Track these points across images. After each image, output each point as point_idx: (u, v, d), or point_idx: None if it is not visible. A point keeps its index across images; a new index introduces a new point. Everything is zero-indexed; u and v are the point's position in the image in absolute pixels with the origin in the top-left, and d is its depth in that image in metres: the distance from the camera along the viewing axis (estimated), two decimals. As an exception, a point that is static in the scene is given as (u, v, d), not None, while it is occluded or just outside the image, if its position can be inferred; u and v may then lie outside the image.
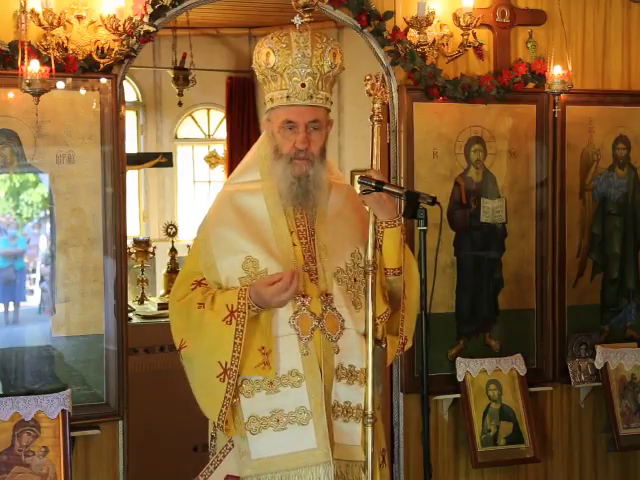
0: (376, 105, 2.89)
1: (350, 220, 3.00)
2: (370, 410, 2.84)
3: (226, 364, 2.76)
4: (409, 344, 3.02)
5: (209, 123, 10.59)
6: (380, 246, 2.90)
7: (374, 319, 2.85)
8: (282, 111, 2.85)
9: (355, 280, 2.91)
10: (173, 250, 6.39)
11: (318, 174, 2.86)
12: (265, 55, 2.84)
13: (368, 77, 2.91)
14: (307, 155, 2.84)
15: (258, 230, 2.88)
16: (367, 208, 2.88)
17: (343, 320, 2.85)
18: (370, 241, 2.86)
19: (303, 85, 2.83)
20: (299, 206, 2.89)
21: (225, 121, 10.10)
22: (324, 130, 2.89)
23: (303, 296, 2.82)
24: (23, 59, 3.46)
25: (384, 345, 2.95)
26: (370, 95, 2.89)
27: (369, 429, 2.83)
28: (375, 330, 2.85)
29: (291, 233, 2.89)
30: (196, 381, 2.86)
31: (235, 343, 2.75)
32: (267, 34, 2.91)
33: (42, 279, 3.90)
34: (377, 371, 2.89)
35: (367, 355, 2.83)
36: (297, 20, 2.90)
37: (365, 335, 2.85)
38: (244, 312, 2.75)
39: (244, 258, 2.84)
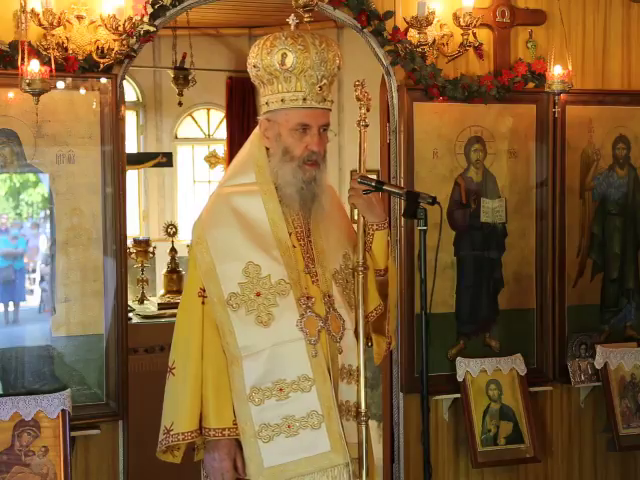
0: (362, 110, 2.90)
1: (337, 221, 3.01)
2: (363, 408, 2.86)
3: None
4: (394, 343, 3.06)
5: (209, 123, 10.58)
6: (370, 248, 2.93)
7: (365, 317, 2.88)
8: (296, 113, 2.82)
9: (347, 281, 2.93)
10: (173, 250, 6.39)
11: (323, 177, 2.88)
12: (280, 56, 2.80)
13: (357, 83, 2.90)
14: (317, 158, 2.83)
15: (257, 233, 2.85)
16: (356, 210, 2.91)
17: (344, 321, 2.86)
18: (360, 243, 2.89)
19: (320, 88, 2.82)
20: (306, 210, 2.87)
21: (225, 121, 10.09)
22: (329, 133, 2.90)
23: (307, 298, 2.82)
24: (23, 59, 3.46)
25: (370, 344, 2.99)
26: (359, 100, 2.90)
27: (363, 427, 2.85)
28: (363, 329, 2.88)
29: (290, 235, 2.88)
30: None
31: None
32: (267, 34, 2.91)
33: (42, 279, 3.90)
34: (366, 370, 2.91)
35: (359, 354, 2.86)
36: (292, 20, 2.89)
37: (356, 334, 2.88)
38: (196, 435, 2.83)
39: (245, 263, 2.81)
